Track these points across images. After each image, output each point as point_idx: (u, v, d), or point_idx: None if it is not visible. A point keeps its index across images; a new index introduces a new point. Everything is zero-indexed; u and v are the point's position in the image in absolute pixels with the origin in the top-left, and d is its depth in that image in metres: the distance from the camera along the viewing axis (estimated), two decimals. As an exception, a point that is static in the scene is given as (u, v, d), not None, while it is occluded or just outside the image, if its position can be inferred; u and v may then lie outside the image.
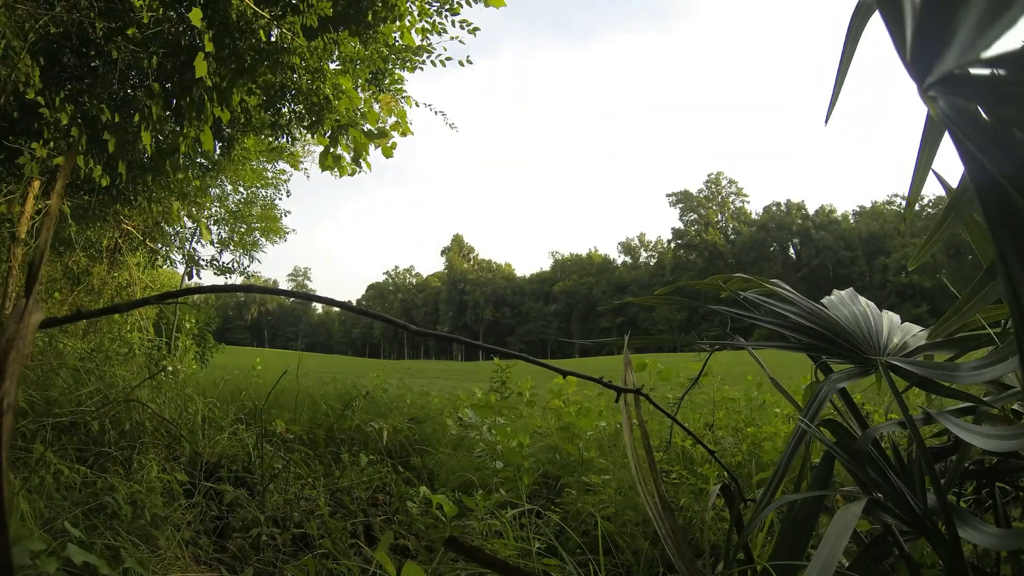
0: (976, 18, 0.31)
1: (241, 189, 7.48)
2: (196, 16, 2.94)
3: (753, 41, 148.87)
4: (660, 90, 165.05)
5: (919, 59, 0.38)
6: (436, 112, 4.58)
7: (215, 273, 6.90)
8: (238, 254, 7.58)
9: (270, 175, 7.60)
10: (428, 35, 4.24)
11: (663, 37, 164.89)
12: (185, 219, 5.90)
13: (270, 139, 4.97)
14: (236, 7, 3.19)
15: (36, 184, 3.37)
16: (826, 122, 0.87)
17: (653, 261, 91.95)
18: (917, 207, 73.28)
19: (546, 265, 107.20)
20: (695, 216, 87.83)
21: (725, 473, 1.81)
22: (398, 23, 4.05)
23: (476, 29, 4.24)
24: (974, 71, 0.41)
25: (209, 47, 3.03)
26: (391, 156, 4.23)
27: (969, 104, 0.41)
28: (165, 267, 7.00)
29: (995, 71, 0.42)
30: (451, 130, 4.76)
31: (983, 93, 0.41)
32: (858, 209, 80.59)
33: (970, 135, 0.42)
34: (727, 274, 1.71)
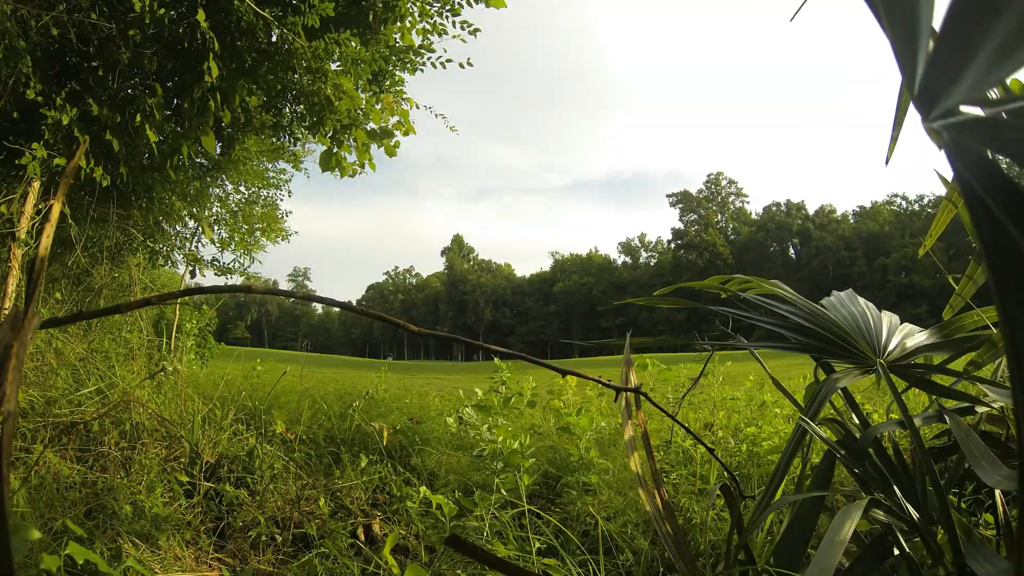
0: (986, 59, 0.32)
1: (242, 189, 7.48)
2: (202, 17, 2.95)
3: (754, 40, 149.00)
4: (661, 89, 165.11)
5: (925, 95, 0.39)
6: (436, 115, 4.60)
7: (216, 273, 6.89)
8: (239, 254, 7.56)
9: (271, 175, 7.60)
10: (429, 36, 4.25)
11: (664, 36, 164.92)
12: (186, 219, 5.90)
13: (272, 139, 4.98)
14: (237, 8, 3.19)
15: (36, 184, 3.37)
16: (886, 163, 0.91)
17: (653, 261, 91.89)
18: (917, 207, 73.15)
19: (546, 265, 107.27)
20: (695, 216, 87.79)
21: (725, 473, 1.81)
22: (399, 24, 4.06)
23: (477, 30, 4.24)
24: (977, 111, 0.42)
25: (216, 47, 3.04)
26: (394, 155, 4.22)
27: (971, 143, 0.41)
28: (166, 267, 7.00)
29: (999, 113, 0.42)
30: (452, 132, 4.78)
31: (985, 135, 0.41)
32: (858, 209, 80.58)
33: (972, 172, 0.42)
34: (726, 275, 1.71)
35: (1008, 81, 0.96)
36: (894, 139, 0.92)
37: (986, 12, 0.31)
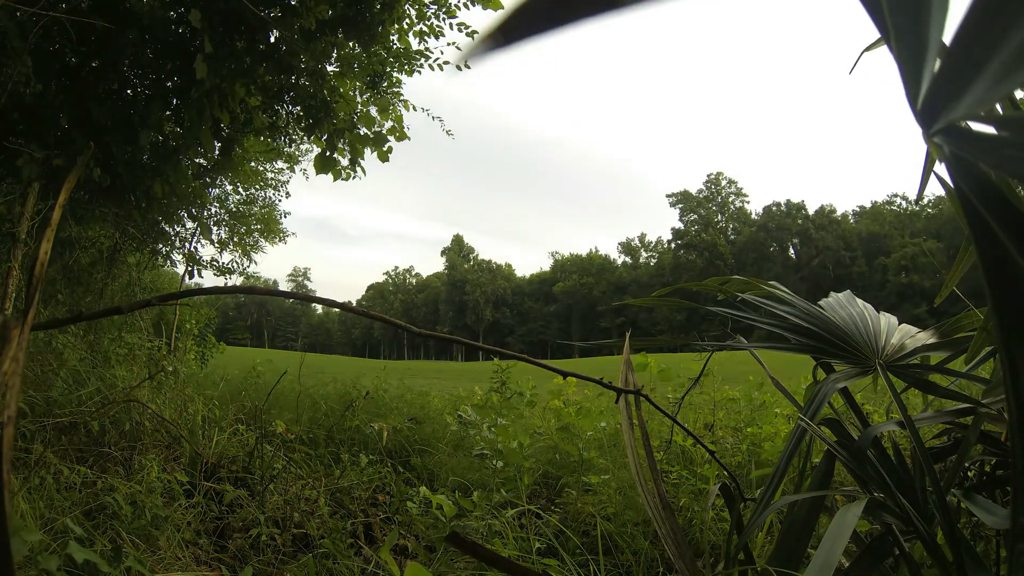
0: (991, 74, 0.32)
1: (240, 190, 7.49)
2: (195, 17, 2.94)
3: (754, 40, 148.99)
4: (660, 89, 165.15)
5: (928, 109, 0.39)
6: (433, 117, 4.61)
7: (215, 274, 6.89)
8: (237, 254, 7.58)
9: (270, 175, 7.62)
10: (426, 38, 4.25)
11: (663, 35, 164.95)
12: (185, 219, 5.90)
13: (269, 140, 4.98)
14: (235, 8, 3.19)
15: (36, 185, 3.37)
16: (916, 201, 0.94)
17: (653, 261, 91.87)
18: (917, 207, 73.17)
19: (546, 265, 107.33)
20: (695, 216, 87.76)
21: (725, 473, 1.81)
22: (396, 26, 4.06)
23: (474, 32, 4.24)
24: (977, 126, 0.42)
25: (209, 48, 3.03)
26: (387, 160, 4.23)
27: (971, 157, 0.41)
28: (165, 267, 7.00)
29: (999, 131, 0.42)
30: (448, 136, 4.79)
31: (984, 150, 0.41)
32: (858, 209, 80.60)
33: (971, 186, 0.42)
34: (725, 276, 1.71)
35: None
36: (923, 184, 0.94)
37: (994, 28, 0.31)
